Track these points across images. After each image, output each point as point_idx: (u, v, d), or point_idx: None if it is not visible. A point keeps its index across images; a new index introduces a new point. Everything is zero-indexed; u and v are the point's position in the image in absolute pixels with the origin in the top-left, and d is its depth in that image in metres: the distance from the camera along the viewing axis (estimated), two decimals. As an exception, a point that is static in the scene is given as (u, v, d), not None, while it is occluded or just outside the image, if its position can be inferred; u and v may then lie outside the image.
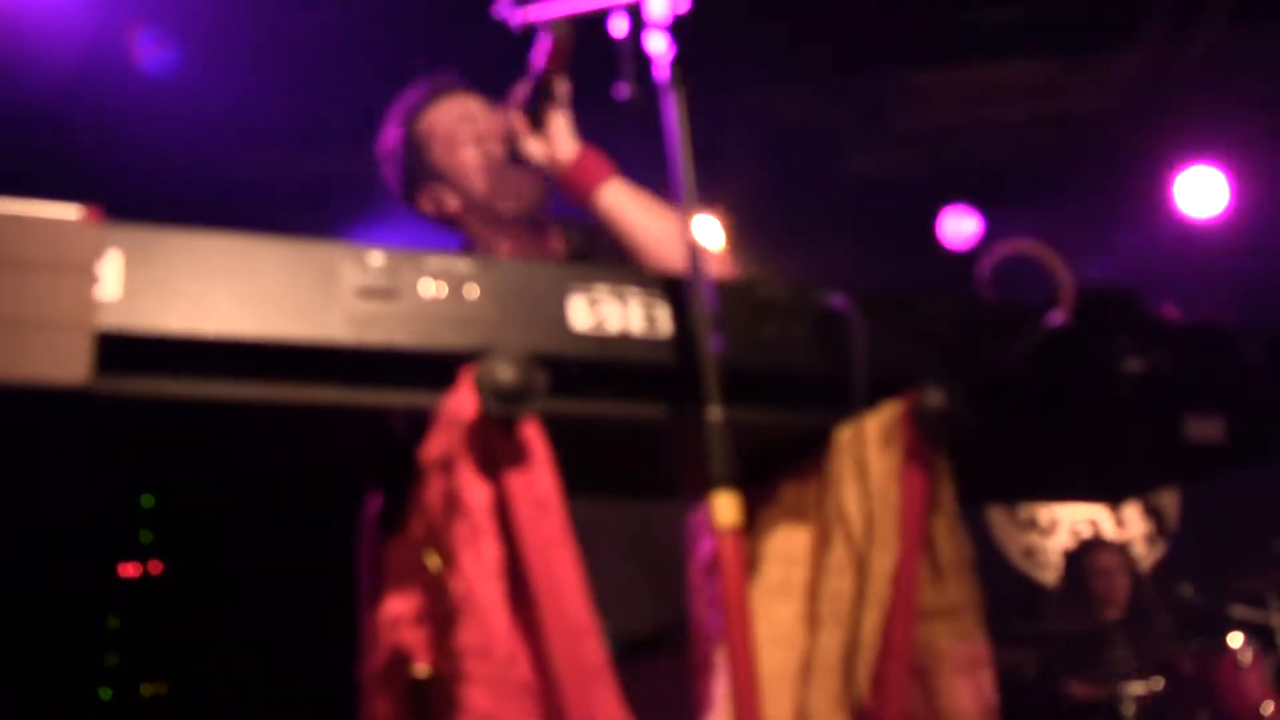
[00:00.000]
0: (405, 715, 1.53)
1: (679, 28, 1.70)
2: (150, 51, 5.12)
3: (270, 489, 1.92)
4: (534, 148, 2.49)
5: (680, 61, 1.68)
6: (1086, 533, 7.58)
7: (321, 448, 1.66)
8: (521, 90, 2.46)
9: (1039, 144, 6.89)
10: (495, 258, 2.55)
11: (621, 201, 2.42)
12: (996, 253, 1.93)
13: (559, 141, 2.45)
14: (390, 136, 2.79)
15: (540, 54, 2.26)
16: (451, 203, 2.71)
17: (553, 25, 2.13)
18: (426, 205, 2.75)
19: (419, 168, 2.74)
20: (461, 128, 2.69)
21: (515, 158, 2.54)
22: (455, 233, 2.77)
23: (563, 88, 2.42)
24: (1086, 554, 6.31)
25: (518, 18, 2.03)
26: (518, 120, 2.49)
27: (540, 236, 2.71)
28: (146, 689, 5.80)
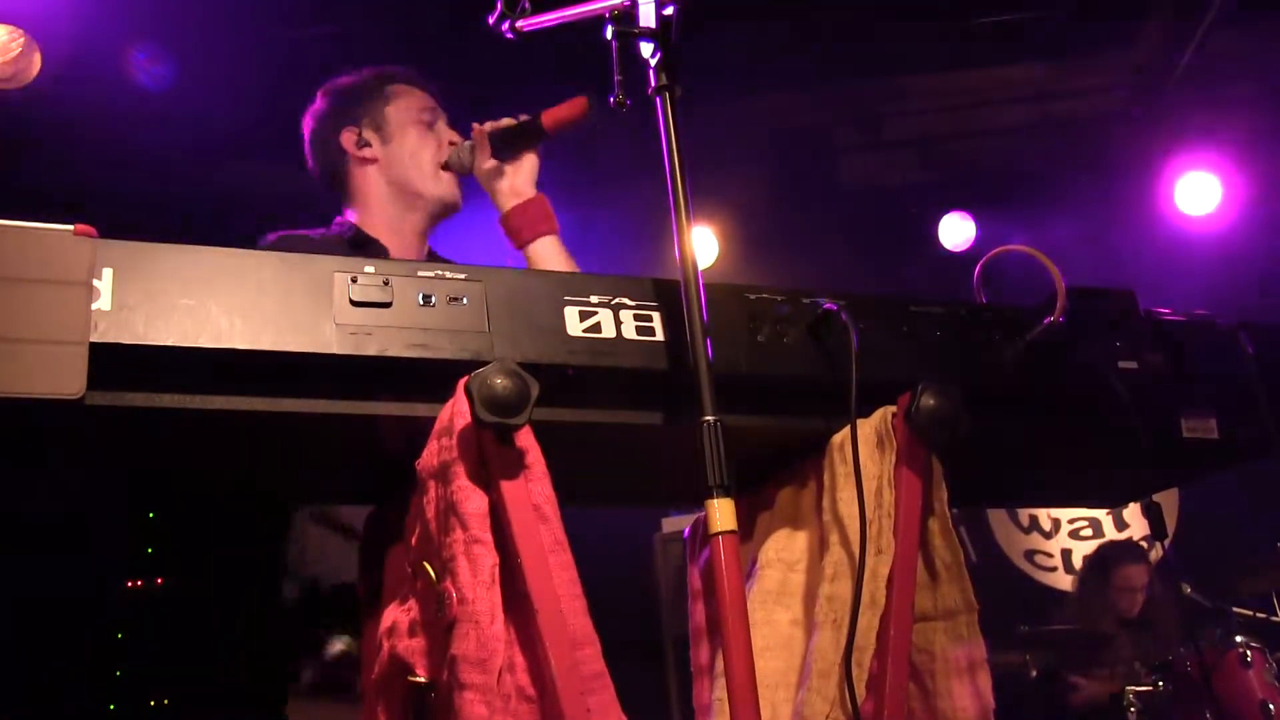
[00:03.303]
0: (405, 725, 1.53)
1: (672, 34, 1.70)
2: (143, 67, 5.13)
3: (268, 499, 1.92)
4: (488, 169, 2.65)
5: (673, 67, 1.69)
6: (1089, 533, 7.58)
7: (319, 458, 1.66)
8: (506, 120, 2.64)
9: (1034, 147, 6.90)
10: (378, 233, 2.68)
11: (550, 255, 2.61)
12: (991, 256, 1.94)
13: (522, 182, 2.65)
14: (350, 75, 2.85)
15: (555, 111, 2.53)
16: (371, 152, 2.75)
17: (584, 103, 2.47)
18: (347, 139, 2.77)
19: (362, 108, 2.79)
20: (425, 114, 2.79)
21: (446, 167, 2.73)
22: (346, 187, 2.79)
23: (543, 140, 2.63)
24: (1115, 566, 6.22)
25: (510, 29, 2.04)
26: (484, 138, 2.64)
27: (422, 241, 2.80)
28: (152, 703, 5.79)
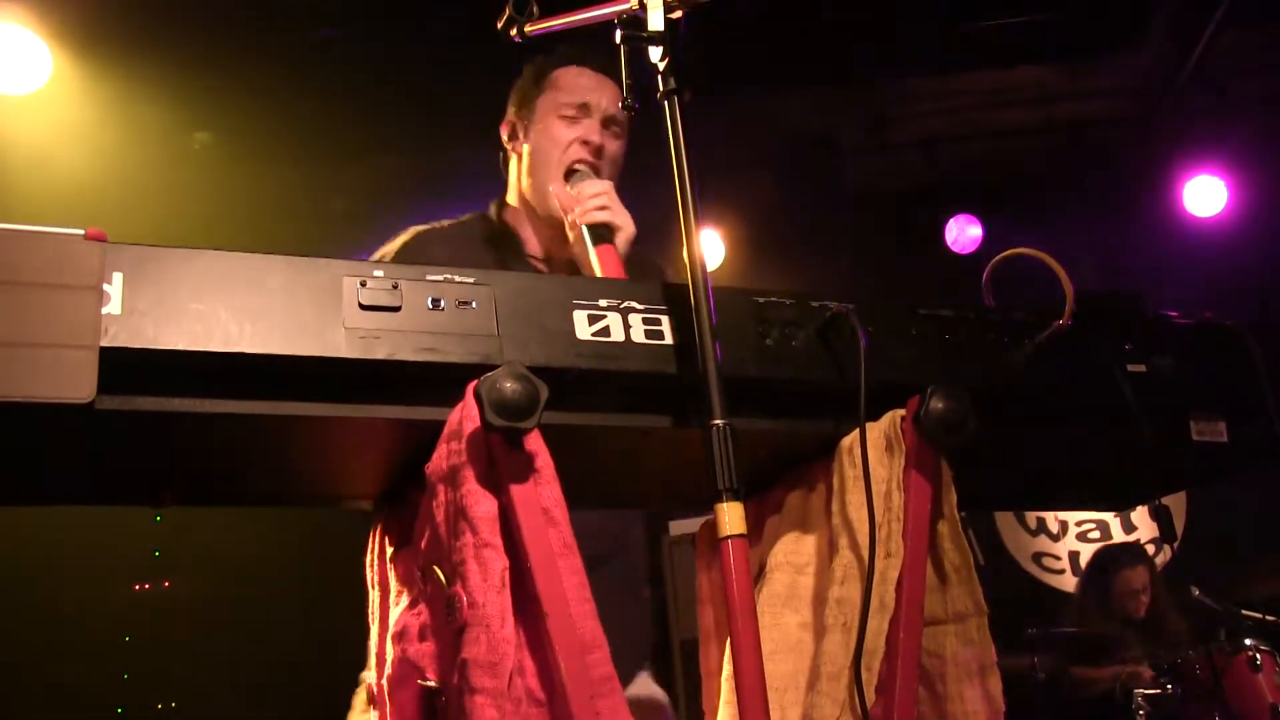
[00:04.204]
0: (414, 728, 1.53)
1: (679, 37, 1.71)
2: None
3: (277, 504, 1.93)
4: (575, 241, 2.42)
5: (681, 71, 1.69)
6: (1096, 535, 7.56)
7: (328, 462, 1.66)
8: (601, 218, 2.38)
9: (1041, 150, 6.90)
10: (520, 225, 2.60)
11: None
12: (999, 259, 1.94)
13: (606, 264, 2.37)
14: (539, 59, 2.71)
15: (609, 259, 2.30)
16: (518, 146, 2.68)
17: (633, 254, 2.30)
18: (505, 128, 2.72)
19: (524, 95, 2.69)
20: (569, 108, 2.60)
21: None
22: (505, 175, 2.72)
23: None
24: (1115, 569, 6.21)
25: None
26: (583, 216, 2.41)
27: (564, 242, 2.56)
28: (159, 705, 5.81)
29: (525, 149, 2.65)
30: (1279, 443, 1.94)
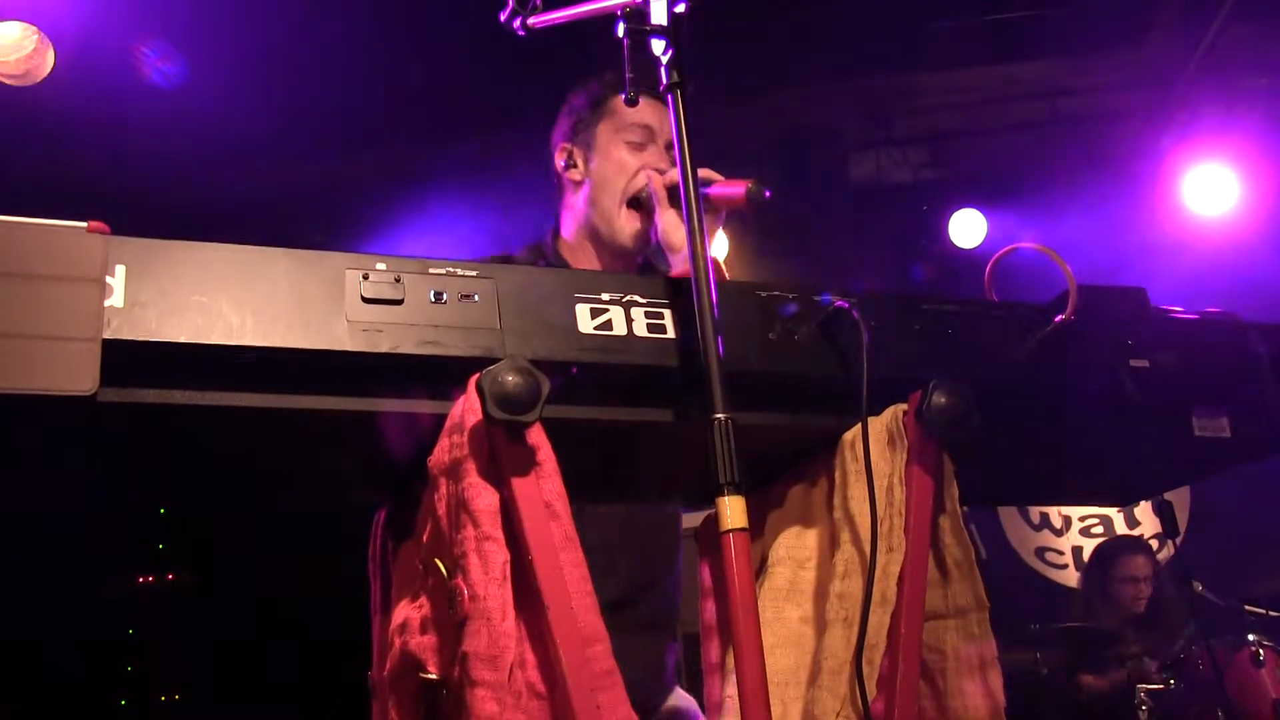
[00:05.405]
0: (416, 721, 1.53)
1: (682, 31, 1.70)
2: (154, 65, 5.14)
3: (279, 496, 1.93)
4: (667, 224, 2.41)
5: (684, 65, 1.69)
6: (1099, 530, 7.56)
7: (330, 455, 1.67)
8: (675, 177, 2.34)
9: (1045, 144, 6.89)
10: (576, 260, 2.54)
11: None
12: (1002, 253, 1.94)
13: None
14: (594, 81, 2.66)
15: (724, 186, 2.27)
16: (577, 174, 2.62)
17: (744, 190, 2.23)
18: (559, 157, 2.65)
19: (581, 123, 2.63)
20: (635, 132, 2.57)
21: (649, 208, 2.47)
22: (558, 205, 2.65)
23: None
24: (1115, 557, 6.22)
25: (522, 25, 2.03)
26: (661, 189, 2.42)
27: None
28: (162, 697, 5.82)
29: (587, 177, 2.60)
30: (1281, 438, 1.94)
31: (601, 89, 2.62)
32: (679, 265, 2.35)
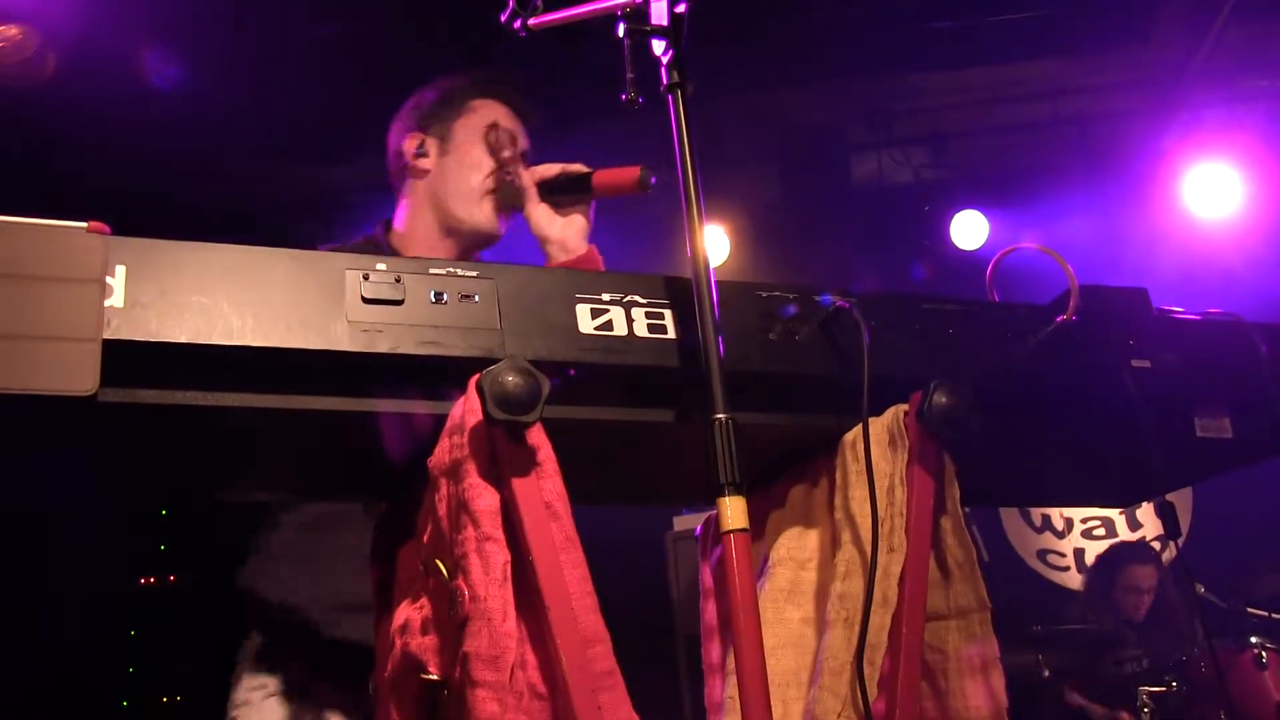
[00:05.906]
0: (416, 722, 1.53)
1: (683, 31, 1.70)
2: (156, 66, 5.15)
3: (281, 498, 1.93)
4: (540, 218, 2.51)
5: (685, 65, 1.68)
6: (1101, 532, 7.55)
7: (333, 455, 1.66)
8: (555, 168, 2.53)
9: (1047, 144, 6.89)
10: (411, 250, 2.59)
11: None
12: (1004, 254, 1.93)
13: (573, 236, 2.50)
14: (447, 79, 2.74)
15: (606, 175, 2.45)
16: (426, 163, 2.66)
17: (636, 175, 2.39)
18: (409, 143, 2.68)
19: (435, 115, 2.69)
20: (493, 133, 2.66)
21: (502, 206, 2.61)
22: (398, 193, 2.70)
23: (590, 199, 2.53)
24: (1122, 565, 6.17)
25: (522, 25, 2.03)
26: (531, 185, 2.53)
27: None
28: (164, 699, 5.82)
29: (438, 166, 2.65)
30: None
31: (459, 89, 2.71)
32: (559, 256, 2.48)
